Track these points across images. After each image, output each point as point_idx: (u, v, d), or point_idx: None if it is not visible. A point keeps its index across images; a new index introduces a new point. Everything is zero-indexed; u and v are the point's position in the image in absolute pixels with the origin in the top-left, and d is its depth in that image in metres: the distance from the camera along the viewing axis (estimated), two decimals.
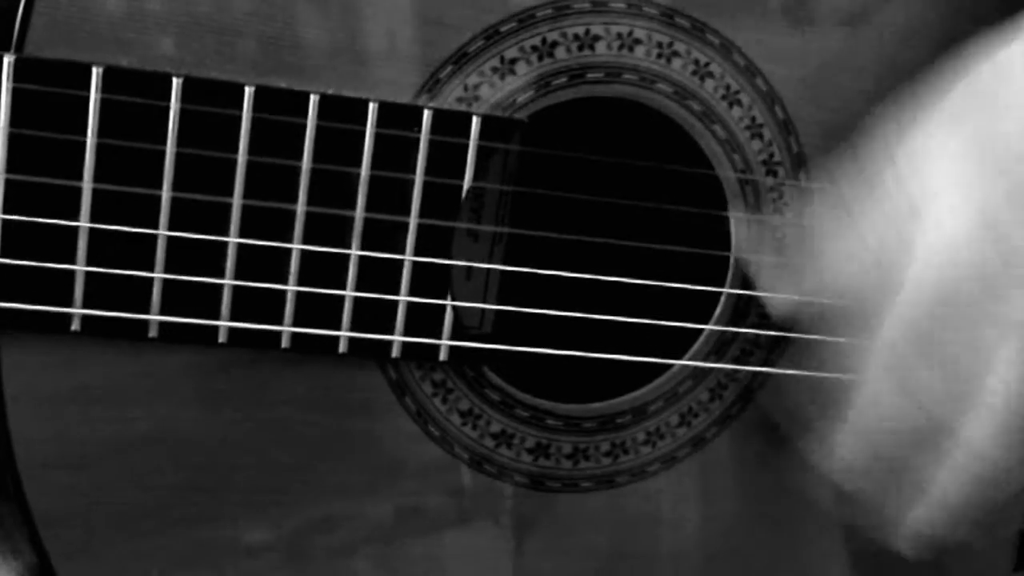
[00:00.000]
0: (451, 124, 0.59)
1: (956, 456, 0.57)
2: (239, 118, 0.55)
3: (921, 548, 0.62)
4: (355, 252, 0.58)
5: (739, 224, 0.66)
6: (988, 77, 0.56)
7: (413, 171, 0.58)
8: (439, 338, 0.61)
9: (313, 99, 0.56)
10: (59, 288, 0.55)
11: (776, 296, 0.65)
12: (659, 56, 0.63)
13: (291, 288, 0.58)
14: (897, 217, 0.57)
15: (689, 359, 0.66)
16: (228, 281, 0.57)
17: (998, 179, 0.53)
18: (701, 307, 0.66)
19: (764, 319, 0.67)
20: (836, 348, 0.61)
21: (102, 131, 0.54)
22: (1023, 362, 0.54)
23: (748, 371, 0.68)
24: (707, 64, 0.63)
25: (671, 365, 0.66)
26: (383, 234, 0.59)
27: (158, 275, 0.56)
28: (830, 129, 0.66)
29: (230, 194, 0.56)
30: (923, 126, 0.58)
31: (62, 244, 0.54)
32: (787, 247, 0.66)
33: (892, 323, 0.56)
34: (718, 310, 0.66)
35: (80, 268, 0.55)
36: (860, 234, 0.59)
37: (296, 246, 0.57)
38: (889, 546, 0.62)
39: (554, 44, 0.61)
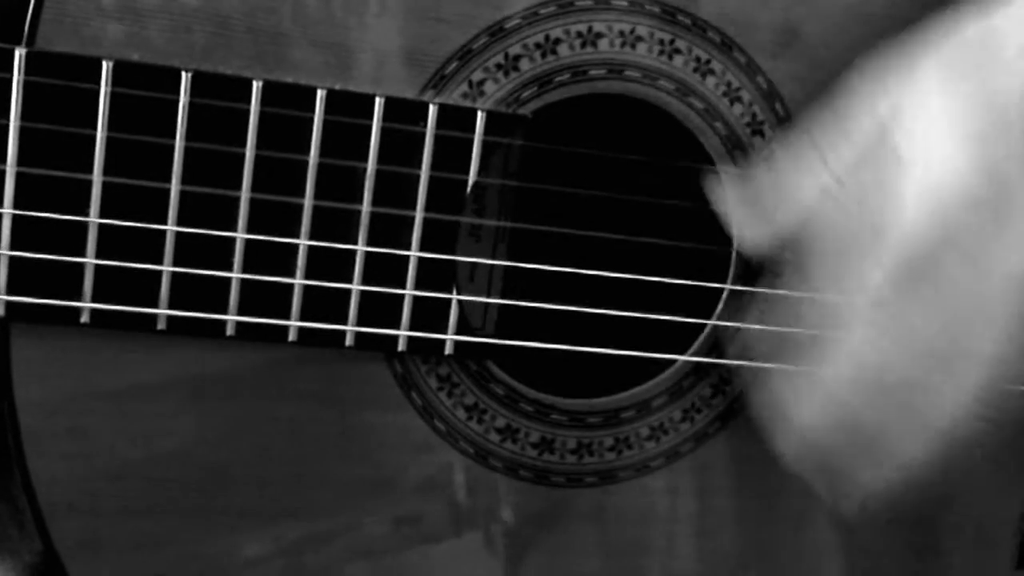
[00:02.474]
0: (456, 119, 0.59)
1: (930, 416, 0.55)
2: (247, 112, 0.56)
3: (871, 510, 0.60)
4: (361, 248, 0.59)
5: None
6: (982, 36, 0.55)
7: (419, 166, 0.59)
8: (445, 332, 0.61)
9: (320, 94, 0.57)
10: (69, 281, 0.55)
11: (747, 232, 0.63)
12: (661, 53, 0.63)
13: (298, 282, 0.58)
14: (880, 164, 0.56)
15: (692, 355, 0.67)
16: (235, 275, 0.57)
17: (1000, 133, 0.52)
18: (703, 303, 0.67)
19: (767, 314, 0.67)
20: (808, 300, 0.59)
21: (112, 125, 0.54)
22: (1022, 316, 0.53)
23: (750, 366, 0.68)
24: (708, 61, 0.64)
25: (674, 361, 0.67)
26: (389, 228, 0.59)
27: (167, 268, 0.56)
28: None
29: (238, 188, 0.57)
30: (913, 82, 0.56)
31: (72, 237, 0.55)
32: (757, 174, 0.64)
33: (879, 269, 0.54)
34: (720, 306, 0.67)
35: (90, 261, 0.55)
36: (837, 177, 0.57)
37: (303, 242, 0.58)
38: (836, 508, 0.61)
39: (557, 41, 0.61)
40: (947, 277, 0.54)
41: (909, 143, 0.55)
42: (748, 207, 0.62)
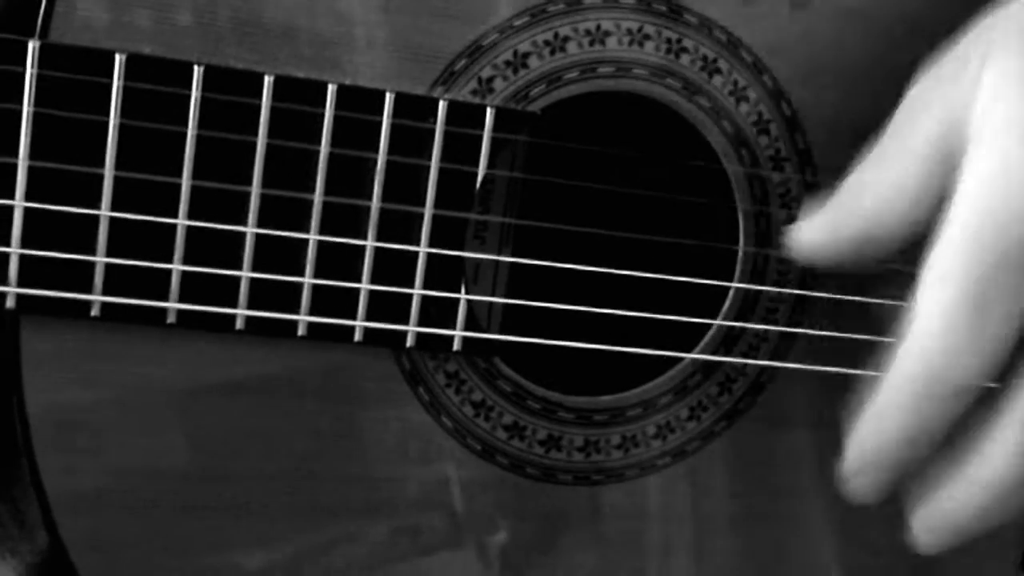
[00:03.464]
0: (466, 115, 0.60)
1: (1006, 430, 0.53)
2: (258, 107, 0.56)
3: (945, 539, 0.57)
4: (370, 244, 0.59)
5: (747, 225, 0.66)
6: None
7: (428, 161, 0.59)
8: (453, 329, 0.61)
9: (331, 89, 0.57)
10: (80, 274, 0.55)
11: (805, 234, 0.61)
12: (668, 51, 0.64)
13: (307, 280, 0.58)
14: (942, 144, 0.54)
15: (698, 353, 0.67)
16: (245, 273, 0.57)
17: None
18: (710, 301, 0.67)
19: (772, 313, 0.68)
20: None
21: (124, 118, 0.54)
22: None
23: (756, 365, 0.68)
24: (715, 60, 0.65)
25: (681, 359, 0.67)
26: (398, 224, 0.59)
27: (176, 265, 0.56)
28: (836, 125, 0.67)
29: (249, 183, 0.57)
30: (966, 73, 0.55)
31: (83, 230, 0.55)
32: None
33: (951, 272, 0.52)
34: (727, 304, 0.67)
35: (100, 260, 0.55)
36: (903, 165, 0.56)
37: (313, 237, 0.58)
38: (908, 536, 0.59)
39: (566, 39, 0.62)
40: (1015, 255, 0.51)
41: (974, 134, 0.53)
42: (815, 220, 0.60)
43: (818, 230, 0.59)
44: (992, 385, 0.54)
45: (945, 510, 0.56)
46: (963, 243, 0.52)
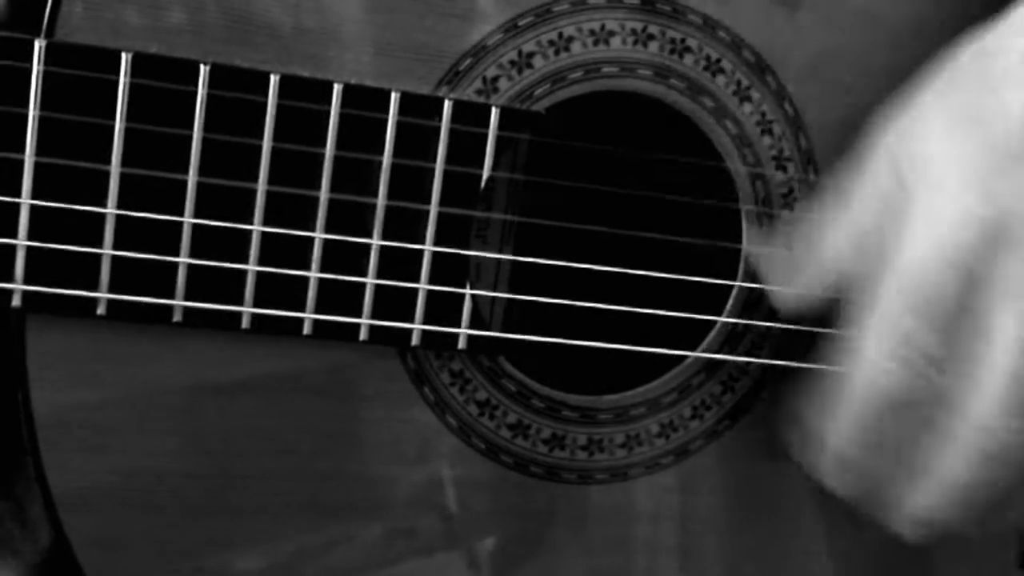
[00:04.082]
0: (471, 115, 0.60)
1: (959, 431, 0.57)
2: (264, 105, 0.56)
3: (923, 533, 0.61)
4: (376, 242, 0.59)
5: (750, 224, 0.67)
6: (974, 57, 0.58)
7: (433, 161, 0.59)
8: (458, 327, 0.61)
9: (337, 88, 0.57)
10: (86, 272, 0.55)
11: (782, 290, 0.66)
12: (672, 52, 0.64)
13: (313, 275, 0.58)
14: (888, 193, 0.58)
15: (701, 352, 0.67)
16: (251, 267, 0.58)
17: (989, 149, 0.55)
18: (713, 300, 0.67)
19: (775, 312, 0.68)
20: (838, 339, 0.61)
21: (130, 116, 0.54)
22: None
23: (760, 363, 0.68)
24: (718, 60, 0.65)
25: (684, 358, 0.67)
26: (403, 223, 0.60)
27: (183, 260, 0.56)
28: (839, 125, 0.67)
29: (255, 180, 0.57)
30: (912, 107, 0.60)
31: (89, 228, 0.55)
32: (791, 243, 0.66)
33: (889, 290, 0.57)
34: (730, 303, 0.67)
35: (107, 252, 0.55)
36: (853, 217, 0.60)
37: (319, 235, 0.58)
38: (891, 531, 0.62)
39: (570, 39, 0.62)
40: (954, 301, 0.56)
41: (911, 165, 0.57)
42: (786, 272, 0.65)
43: (794, 296, 0.64)
44: None
45: (917, 506, 0.60)
46: (899, 278, 0.57)
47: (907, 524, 0.61)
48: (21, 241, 0.54)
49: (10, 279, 0.54)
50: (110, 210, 0.55)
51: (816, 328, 0.69)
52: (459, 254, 0.61)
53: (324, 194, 0.58)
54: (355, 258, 0.59)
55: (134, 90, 0.54)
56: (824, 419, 0.61)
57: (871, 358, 0.58)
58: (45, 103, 0.53)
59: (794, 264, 0.64)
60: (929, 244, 0.56)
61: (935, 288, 0.56)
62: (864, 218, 0.60)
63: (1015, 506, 0.60)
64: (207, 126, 0.56)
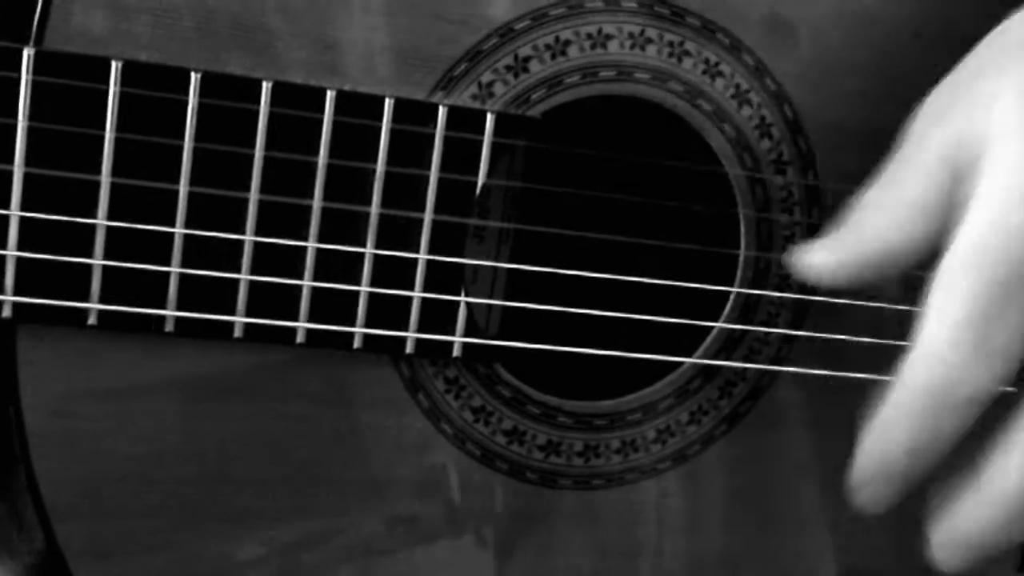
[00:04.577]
0: (466, 121, 0.59)
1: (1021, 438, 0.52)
2: (256, 113, 0.56)
3: (966, 556, 0.55)
4: (369, 251, 0.59)
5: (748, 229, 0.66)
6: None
7: (428, 167, 0.59)
8: (453, 335, 0.61)
9: (330, 95, 0.56)
10: (77, 282, 0.55)
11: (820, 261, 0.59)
12: (670, 55, 0.63)
13: (306, 283, 0.58)
14: (934, 180, 0.54)
15: (699, 357, 0.67)
16: (244, 276, 0.57)
17: None
18: (710, 305, 0.67)
19: (774, 316, 0.67)
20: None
21: (120, 125, 0.54)
22: None
23: (756, 369, 0.68)
24: (717, 64, 0.64)
25: (681, 363, 0.67)
26: (397, 230, 0.59)
27: (175, 270, 0.56)
28: (838, 129, 0.66)
29: (247, 189, 0.56)
30: (955, 86, 0.55)
31: (80, 238, 0.54)
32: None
33: (954, 283, 0.51)
34: (727, 308, 0.67)
35: (98, 263, 0.55)
36: (904, 194, 0.55)
37: (312, 244, 0.58)
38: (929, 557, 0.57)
39: (567, 43, 0.61)
40: (1017, 273, 0.51)
41: (986, 167, 0.52)
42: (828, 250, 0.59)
43: (834, 252, 0.58)
44: (1009, 389, 0.54)
45: (961, 528, 0.54)
46: (972, 256, 0.51)
47: (951, 548, 0.55)
48: (11, 252, 0.54)
49: (0, 290, 0.54)
50: (100, 221, 0.54)
51: (817, 334, 0.68)
52: (454, 262, 0.60)
53: (317, 202, 0.57)
54: (349, 266, 0.59)
55: (124, 99, 0.54)
56: (871, 426, 0.55)
57: (934, 348, 0.52)
58: (34, 113, 0.53)
59: (836, 236, 0.58)
60: (1000, 224, 0.51)
61: (1005, 271, 0.50)
62: (913, 196, 0.55)
63: None
64: (198, 134, 0.55)
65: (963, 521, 0.54)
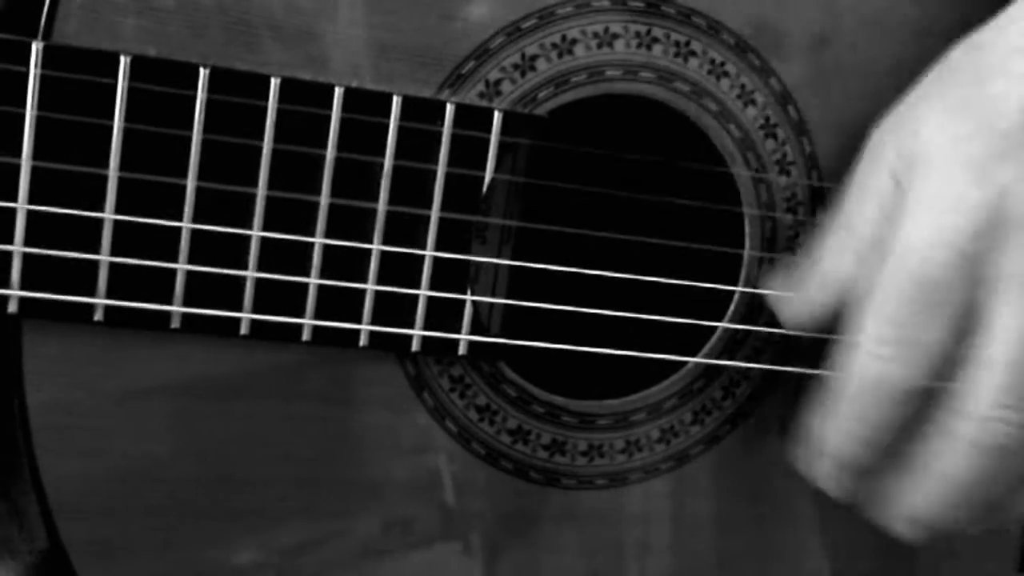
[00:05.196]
0: (473, 119, 0.59)
1: (955, 424, 0.56)
2: (264, 109, 0.56)
3: (921, 533, 0.61)
4: (376, 247, 0.59)
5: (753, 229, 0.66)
6: (967, 52, 0.59)
7: (435, 165, 0.59)
8: (458, 333, 0.61)
9: (338, 92, 0.56)
10: (83, 278, 0.55)
11: (787, 301, 0.65)
12: (676, 55, 0.63)
13: (313, 280, 0.58)
14: (884, 194, 0.58)
15: (703, 357, 0.67)
16: (250, 273, 0.57)
17: (986, 135, 0.55)
18: (714, 305, 0.67)
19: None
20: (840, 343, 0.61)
21: (129, 120, 0.54)
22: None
23: (760, 369, 0.68)
24: (722, 64, 0.64)
25: (685, 363, 0.67)
26: (404, 228, 0.59)
27: (181, 266, 0.56)
28: (842, 129, 0.67)
29: (254, 185, 0.56)
30: (905, 106, 0.60)
31: (87, 233, 0.54)
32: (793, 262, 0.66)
33: (886, 277, 0.56)
34: (731, 308, 0.67)
35: (104, 258, 0.55)
36: (852, 222, 0.60)
37: (319, 240, 0.57)
38: (888, 530, 0.62)
39: (574, 42, 0.61)
40: (950, 287, 0.55)
41: (917, 174, 0.57)
42: (792, 286, 0.65)
43: (799, 307, 0.64)
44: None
45: (915, 505, 0.59)
46: (901, 261, 0.56)
47: (906, 524, 0.61)
48: (17, 247, 0.53)
49: (7, 285, 0.53)
50: (107, 215, 0.54)
51: (818, 335, 0.68)
52: (460, 259, 0.60)
53: (325, 199, 0.57)
54: (355, 264, 0.58)
55: (133, 93, 0.54)
56: (822, 419, 0.61)
57: (868, 347, 0.57)
58: (42, 106, 0.52)
59: (799, 278, 0.64)
60: (927, 229, 0.56)
61: (932, 273, 0.55)
62: (862, 223, 0.60)
63: (1016, 503, 0.60)
64: (207, 130, 0.55)
65: (914, 498, 0.60)
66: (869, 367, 0.57)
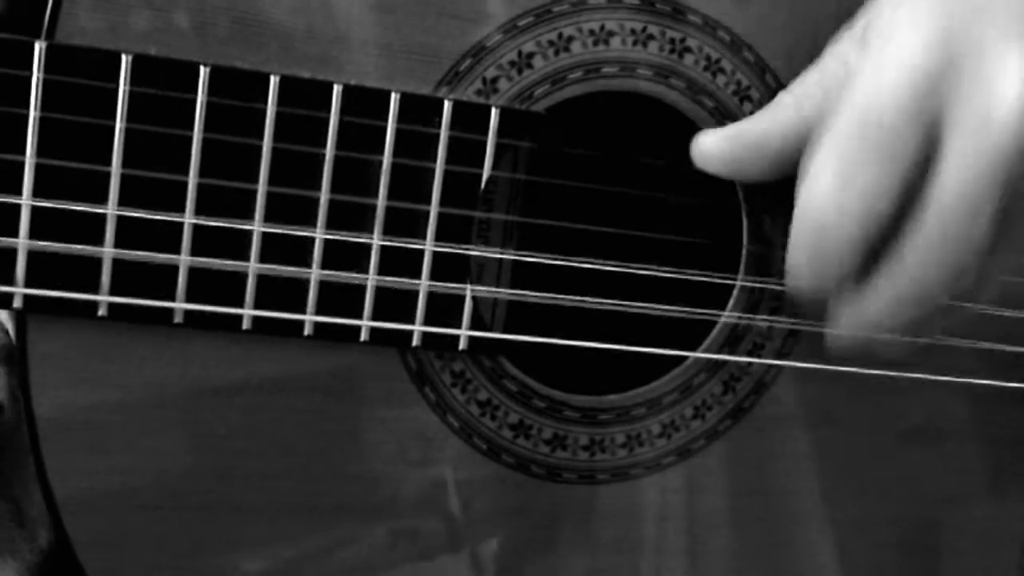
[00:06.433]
0: (471, 115, 0.60)
1: (902, 252, 0.57)
2: (264, 107, 0.56)
3: (857, 344, 0.61)
4: (376, 241, 0.59)
5: (750, 223, 0.67)
6: None
7: (433, 162, 0.59)
8: (459, 328, 0.61)
9: (336, 89, 0.57)
10: (87, 274, 0.55)
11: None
12: (672, 51, 0.64)
13: (314, 273, 0.58)
14: (833, 70, 0.60)
15: (703, 351, 0.67)
16: (252, 265, 0.58)
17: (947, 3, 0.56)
18: (714, 300, 0.67)
19: (777, 311, 0.68)
20: None
21: (131, 118, 0.55)
22: (972, 156, 0.55)
23: (761, 363, 0.68)
24: (718, 60, 0.65)
25: (686, 358, 0.67)
26: (404, 224, 0.60)
27: (184, 259, 0.56)
28: None
29: (255, 181, 0.57)
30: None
31: (90, 230, 0.55)
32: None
33: (841, 118, 0.57)
34: (731, 302, 0.67)
35: (107, 251, 0.55)
36: (805, 94, 0.62)
37: (319, 234, 0.58)
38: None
39: (570, 39, 0.62)
40: (907, 124, 0.56)
41: (872, 35, 0.59)
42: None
43: (715, 136, 0.63)
44: None
45: (864, 309, 0.60)
46: (844, 116, 0.57)
47: (851, 328, 0.61)
48: (22, 241, 0.54)
49: (11, 282, 0.54)
50: (110, 210, 0.55)
51: (819, 328, 0.69)
52: (460, 254, 0.61)
53: (324, 195, 0.58)
54: (356, 259, 0.59)
55: (134, 92, 0.54)
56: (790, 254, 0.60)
57: (822, 188, 0.57)
58: (46, 105, 0.53)
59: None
60: (884, 70, 0.57)
61: (889, 110, 0.56)
62: (805, 95, 0.62)
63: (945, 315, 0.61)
64: (207, 127, 0.56)
65: (866, 303, 0.60)
66: (814, 208, 0.58)
